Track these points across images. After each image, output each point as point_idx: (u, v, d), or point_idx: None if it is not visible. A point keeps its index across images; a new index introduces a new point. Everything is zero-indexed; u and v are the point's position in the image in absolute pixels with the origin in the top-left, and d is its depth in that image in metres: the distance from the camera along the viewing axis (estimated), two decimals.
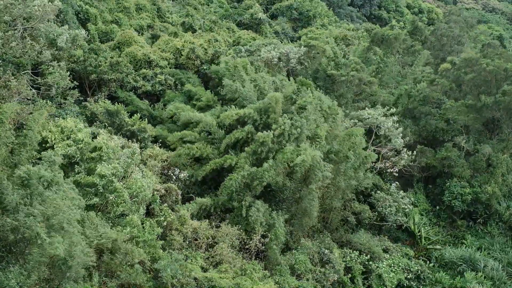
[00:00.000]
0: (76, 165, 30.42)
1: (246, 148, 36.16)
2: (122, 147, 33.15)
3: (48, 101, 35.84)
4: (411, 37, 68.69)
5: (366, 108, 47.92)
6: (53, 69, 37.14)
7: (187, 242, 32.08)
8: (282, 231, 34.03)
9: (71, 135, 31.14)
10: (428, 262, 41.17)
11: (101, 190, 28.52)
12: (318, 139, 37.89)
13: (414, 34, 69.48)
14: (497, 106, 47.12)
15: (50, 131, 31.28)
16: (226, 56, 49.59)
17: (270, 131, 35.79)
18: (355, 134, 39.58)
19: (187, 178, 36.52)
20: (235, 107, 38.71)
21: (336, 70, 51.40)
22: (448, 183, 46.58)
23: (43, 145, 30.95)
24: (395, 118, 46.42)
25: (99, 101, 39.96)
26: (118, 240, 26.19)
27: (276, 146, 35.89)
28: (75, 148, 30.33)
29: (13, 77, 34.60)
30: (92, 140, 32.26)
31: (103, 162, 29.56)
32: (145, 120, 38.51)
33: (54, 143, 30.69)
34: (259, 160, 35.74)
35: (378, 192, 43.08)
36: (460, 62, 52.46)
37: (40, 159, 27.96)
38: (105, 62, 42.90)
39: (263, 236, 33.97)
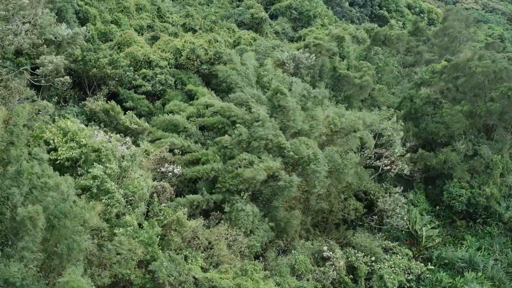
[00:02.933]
0: (79, 167, 30.37)
1: (210, 147, 37.05)
2: (128, 148, 33.08)
3: (48, 101, 35.74)
4: (412, 37, 68.59)
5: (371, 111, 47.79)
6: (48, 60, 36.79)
7: (186, 243, 31.97)
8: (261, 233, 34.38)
9: (74, 138, 30.96)
10: (428, 262, 41.16)
11: (95, 192, 28.40)
12: (284, 151, 36.51)
13: (415, 35, 69.39)
14: (489, 114, 47.17)
15: (52, 133, 31.09)
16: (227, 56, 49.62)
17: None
18: (305, 143, 37.58)
19: (182, 174, 36.39)
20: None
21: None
22: (447, 184, 46.62)
23: (47, 146, 30.79)
24: (399, 126, 45.74)
25: (99, 100, 39.93)
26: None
27: (237, 151, 36.02)
28: (79, 151, 30.25)
29: (12, 75, 34.46)
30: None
31: (100, 163, 29.33)
32: (131, 112, 38.29)
33: (58, 146, 30.51)
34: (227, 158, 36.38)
35: (382, 194, 42.84)
36: (450, 67, 52.54)
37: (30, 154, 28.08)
38: (105, 58, 42.85)
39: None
